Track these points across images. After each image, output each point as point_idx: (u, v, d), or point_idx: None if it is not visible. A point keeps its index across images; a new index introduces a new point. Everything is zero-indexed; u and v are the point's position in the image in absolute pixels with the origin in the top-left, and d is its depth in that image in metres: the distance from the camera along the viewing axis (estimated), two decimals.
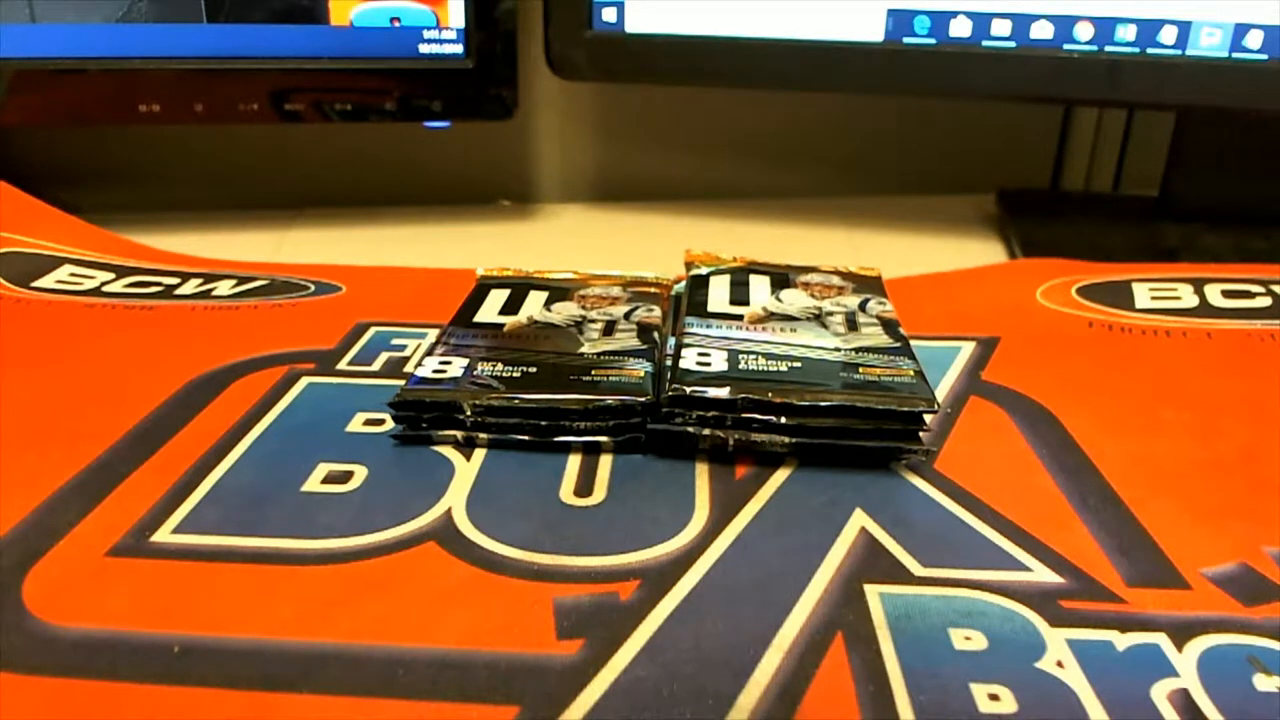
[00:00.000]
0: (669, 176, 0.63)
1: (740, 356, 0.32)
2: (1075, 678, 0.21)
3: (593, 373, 0.31)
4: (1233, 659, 0.22)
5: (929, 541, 0.26)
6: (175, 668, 0.22)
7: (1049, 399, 0.34)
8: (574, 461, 0.30)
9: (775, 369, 0.31)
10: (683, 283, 0.39)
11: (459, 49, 0.50)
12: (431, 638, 0.23)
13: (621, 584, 0.24)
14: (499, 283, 0.40)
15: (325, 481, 0.29)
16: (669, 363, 0.32)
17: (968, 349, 0.37)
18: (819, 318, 0.35)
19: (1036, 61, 0.46)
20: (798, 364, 0.31)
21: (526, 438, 0.30)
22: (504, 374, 0.31)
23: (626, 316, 0.36)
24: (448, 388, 0.31)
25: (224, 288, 0.43)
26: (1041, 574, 0.25)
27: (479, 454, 0.30)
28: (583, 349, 0.33)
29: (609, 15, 0.49)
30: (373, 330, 0.39)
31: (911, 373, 0.31)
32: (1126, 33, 0.45)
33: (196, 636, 0.22)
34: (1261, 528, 0.27)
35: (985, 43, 0.46)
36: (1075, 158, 0.62)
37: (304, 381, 0.34)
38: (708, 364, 0.31)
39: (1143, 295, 0.42)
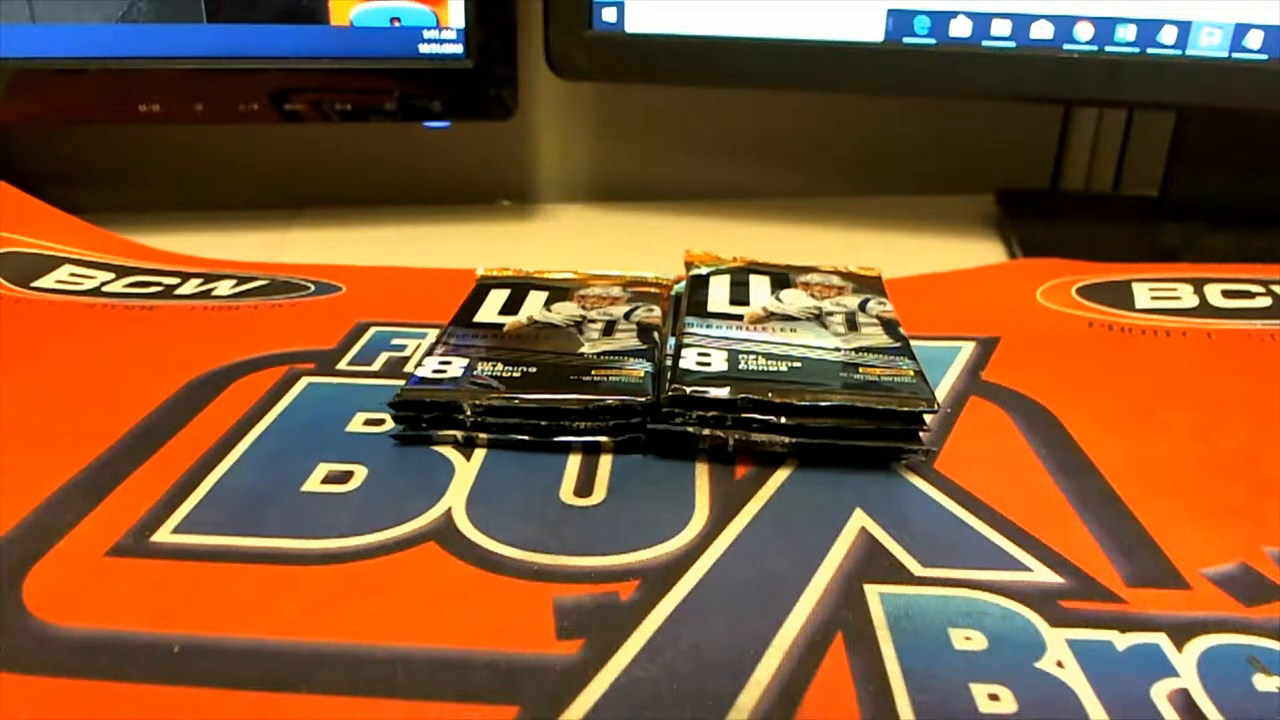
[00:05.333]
0: (669, 176, 0.63)
1: (740, 356, 0.32)
2: (1075, 678, 0.21)
3: (593, 373, 0.31)
4: (1233, 659, 0.22)
5: (929, 541, 0.26)
6: (175, 668, 0.22)
7: (1049, 399, 0.34)
8: (574, 461, 0.30)
9: (775, 369, 0.31)
10: (683, 283, 0.39)
11: (459, 49, 0.50)
12: (431, 638, 0.23)
13: (621, 584, 0.24)
14: (499, 283, 0.40)
15: (325, 481, 0.29)
16: (669, 363, 0.32)
17: (968, 349, 0.37)
18: (819, 318, 0.35)
19: (1036, 61, 0.46)
20: (798, 364, 0.31)
21: (526, 438, 0.30)
22: (504, 374, 0.31)
23: (626, 316, 0.36)
24: (448, 388, 0.31)
25: (224, 288, 0.43)
26: (1041, 574, 0.25)
27: (479, 454, 0.30)
28: (583, 349, 0.33)
29: (609, 15, 0.49)
30: (373, 330, 0.39)
31: (911, 373, 0.31)
32: (1126, 33, 0.45)
33: (196, 636, 0.22)
34: (1261, 528, 0.27)
35: (985, 43, 0.46)
36: (1075, 158, 0.62)
37: (304, 381, 0.34)
38: (708, 364, 0.31)
39: (1143, 295, 0.42)
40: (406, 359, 0.36)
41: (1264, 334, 0.38)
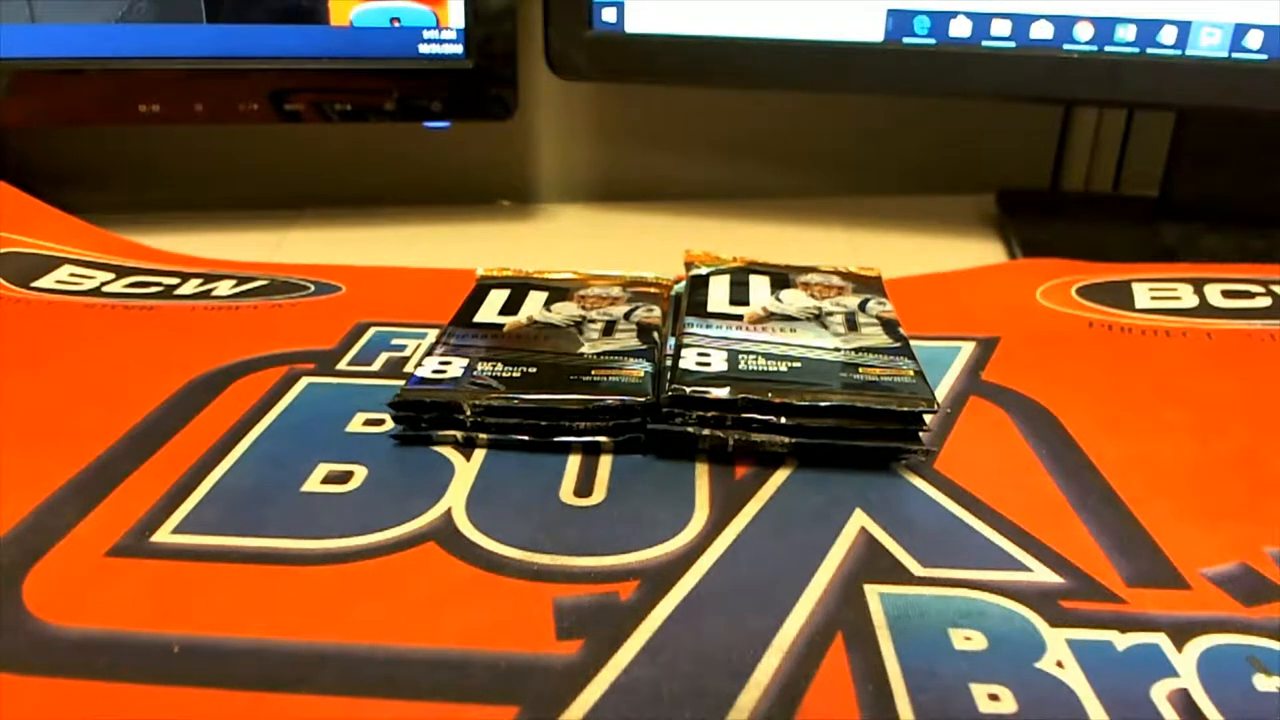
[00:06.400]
0: (669, 176, 0.63)
1: (740, 356, 0.32)
2: (1075, 678, 0.21)
3: (593, 373, 0.31)
4: (1233, 659, 0.22)
5: (929, 541, 0.26)
6: (175, 668, 0.22)
7: (1049, 399, 0.34)
8: (574, 461, 0.30)
9: (775, 369, 0.31)
10: (683, 283, 0.39)
11: (459, 49, 0.50)
12: (431, 638, 0.23)
13: (621, 584, 0.24)
14: (499, 283, 0.40)
15: (325, 481, 0.29)
16: (669, 363, 0.32)
17: (968, 349, 0.37)
18: (819, 318, 0.35)
19: (1036, 61, 0.46)
20: (797, 364, 0.31)
21: (526, 438, 0.30)
22: (504, 374, 0.31)
23: (626, 316, 0.36)
24: (448, 388, 0.31)
25: (224, 288, 0.43)
26: (1041, 574, 0.25)
27: (479, 454, 0.30)
28: (583, 349, 0.33)
29: (609, 15, 0.49)
30: (373, 330, 0.39)
31: (911, 373, 0.31)
32: (1126, 33, 0.45)
33: (196, 636, 0.22)
34: (1261, 528, 0.27)
35: (985, 43, 0.46)
36: (1075, 158, 0.62)
37: (304, 381, 0.34)
38: (708, 364, 0.31)
39: (1143, 295, 0.42)
40: (406, 359, 0.36)
41: (1264, 334, 0.38)
